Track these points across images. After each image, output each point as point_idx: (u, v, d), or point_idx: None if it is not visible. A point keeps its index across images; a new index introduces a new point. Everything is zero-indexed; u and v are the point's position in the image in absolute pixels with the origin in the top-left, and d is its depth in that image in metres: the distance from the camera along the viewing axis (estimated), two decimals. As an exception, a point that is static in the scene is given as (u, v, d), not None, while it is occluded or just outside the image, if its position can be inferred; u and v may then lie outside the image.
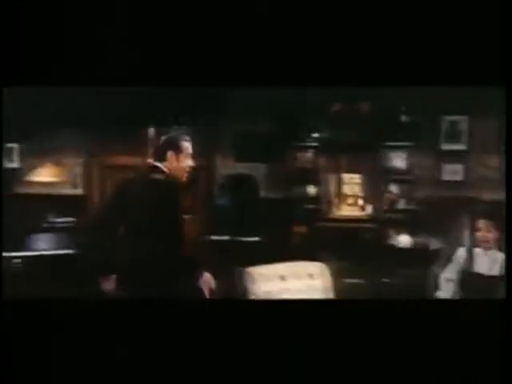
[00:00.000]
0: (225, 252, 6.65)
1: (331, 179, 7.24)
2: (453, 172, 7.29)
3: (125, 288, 3.64)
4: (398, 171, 7.09)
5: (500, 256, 4.03)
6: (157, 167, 3.68)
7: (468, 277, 4.10)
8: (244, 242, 6.90)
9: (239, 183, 7.24)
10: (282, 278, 4.34)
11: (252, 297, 4.19)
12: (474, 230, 4.14)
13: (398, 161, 7.08)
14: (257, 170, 7.47)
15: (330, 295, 4.47)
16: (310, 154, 7.18)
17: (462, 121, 7.28)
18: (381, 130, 7.06)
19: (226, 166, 7.55)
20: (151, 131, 7.23)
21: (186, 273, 3.67)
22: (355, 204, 6.97)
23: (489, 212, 4.18)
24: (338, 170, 7.25)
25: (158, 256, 3.50)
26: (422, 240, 6.33)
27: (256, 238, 6.92)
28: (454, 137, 7.30)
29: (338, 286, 4.61)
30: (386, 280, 5.90)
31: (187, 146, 3.78)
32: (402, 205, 7.02)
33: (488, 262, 4.06)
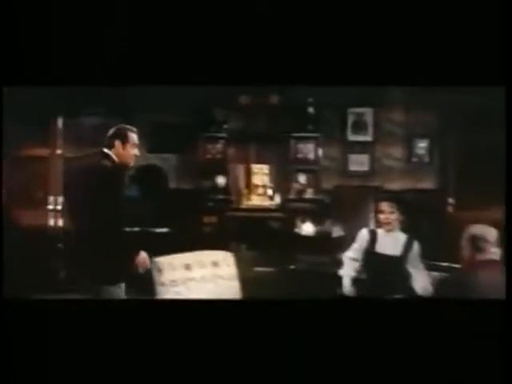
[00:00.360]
0: (135, 243, 6.65)
1: (240, 170, 7.32)
2: (359, 162, 7.49)
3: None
4: (305, 162, 7.21)
5: (402, 237, 4.18)
6: (107, 154, 3.94)
7: (370, 256, 4.22)
8: (154, 233, 6.87)
9: (148, 174, 7.20)
10: (187, 266, 4.38)
11: (158, 285, 4.22)
12: (377, 212, 4.26)
13: (306, 151, 7.20)
14: (167, 160, 7.48)
15: (235, 283, 4.54)
16: (219, 145, 7.23)
17: (368, 113, 7.49)
18: (289, 121, 7.18)
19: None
20: (60, 122, 7.13)
21: (126, 253, 3.92)
22: (264, 194, 7.06)
23: (392, 196, 4.36)
24: (247, 161, 7.34)
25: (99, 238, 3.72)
26: (327, 228, 6.46)
27: (165, 229, 6.93)
28: (359, 128, 7.51)
29: (244, 274, 4.69)
30: (291, 267, 6.00)
31: (133, 136, 4.05)
32: (309, 194, 7.15)
33: (390, 243, 4.17)
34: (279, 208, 7.05)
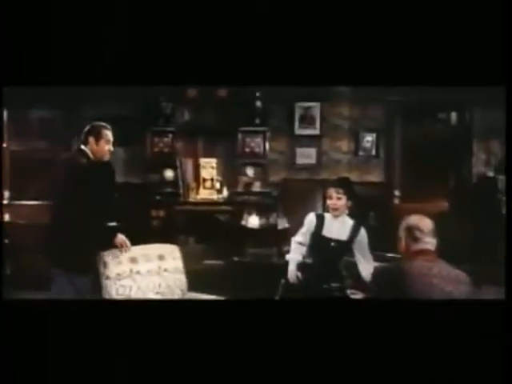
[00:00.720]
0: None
1: (188, 163, 7.32)
2: (306, 156, 7.57)
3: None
4: (253, 155, 7.23)
5: (349, 222, 4.24)
6: (82, 150, 4.26)
7: (317, 240, 4.26)
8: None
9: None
10: (133, 260, 4.38)
11: (104, 279, 4.21)
12: (325, 197, 4.32)
13: (254, 145, 7.22)
14: (114, 154, 7.27)
15: (181, 276, 4.58)
16: (167, 139, 7.18)
17: (315, 107, 7.57)
18: (236, 115, 7.19)
19: None
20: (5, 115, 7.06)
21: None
22: (212, 187, 7.06)
23: (339, 182, 4.38)
24: (195, 155, 7.34)
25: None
26: (273, 221, 6.51)
27: (114, 223, 6.86)
28: (307, 122, 7.58)
29: (191, 267, 4.71)
30: (238, 260, 6.04)
31: (107, 133, 4.36)
32: (257, 187, 7.20)
33: (337, 227, 4.23)
34: (227, 201, 7.08)
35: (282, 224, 5.93)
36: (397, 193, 7.69)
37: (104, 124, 4.41)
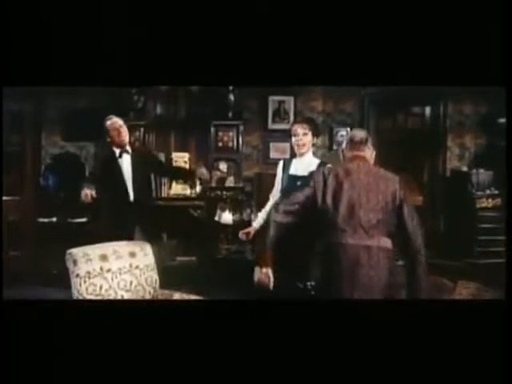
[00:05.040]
0: (53, 234, 6.56)
1: (161, 158, 7.14)
2: (280, 150, 7.50)
3: None
4: (226, 150, 7.16)
5: (315, 160, 4.29)
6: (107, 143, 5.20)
7: (286, 180, 4.34)
8: (72, 223, 6.80)
9: (64, 163, 7.09)
10: (103, 257, 4.27)
11: (73, 277, 4.10)
12: (291, 136, 4.32)
13: (227, 139, 7.15)
14: (84, 148, 7.34)
15: (153, 273, 4.46)
16: (138, 133, 7.04)
17: (289, 101, 7.52)
18: (209, 108, 7.11)
19: (53, 145, 7.35)
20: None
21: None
22: (185, 182, 6.96)
23: (304, 118, 4.86)
24: (168, 149, 7.23)
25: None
26: (246, 216, 6.45)
27: (84, 219, 6.82)
28: (280, 116, 7.54)
29: (164, 263, 4.62)
30: (211, 256, 5.97)
31: (119, 122, 5.16)
32: (230, 182, 7.11)
33: (304, 165, 4.25)
34: (200, 196, 7.00)
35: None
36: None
37: (109, 117, 5.10)
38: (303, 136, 4.22)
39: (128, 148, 5.16)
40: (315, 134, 4.30)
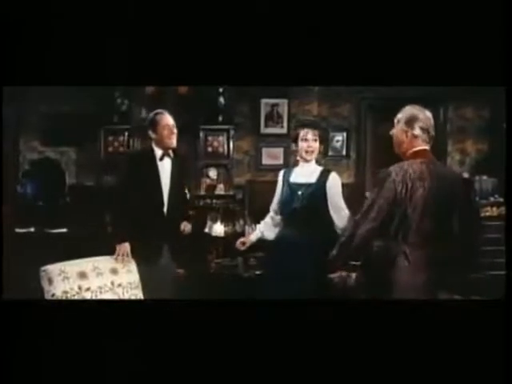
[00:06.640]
0: (30, 246, 6.15)
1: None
2: (273, 156, 7.27)
3: None
4: (216, 155, 6.93)
5: (318, 168, 4.14)
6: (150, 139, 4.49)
7: (285, 188, 4.22)
8: (51, 233, 6.50)
9: (43, 169, 6.84)
10: (82, 275, 3.94)
11: (49, 297, 3.76)
12: (298, 140, 4.15)
13: (217, 145, 6.91)
14: (65, 154, 7.08)
15: (137, 291, 4.15)
16: (122, 138, 6.76)
17: (282, 104, 7.26)
18: (198, 112, 6.87)
19: (32, 151, 7.05)
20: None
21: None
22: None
23: (316, 124, 4.44)
24: (154, 154, 6.89)
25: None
26: (239, 228, 6.16)
27: (64, 230, 6.54)
28: (274, 120, 7.27)
29: (148, 281, 4.25)
30: (202, 269, 5.66)
31: (164, 118, 4.42)
32: (220, 190, 6.89)
33: (307, 172, 4.14)
34: (188, 205, 6.63)
35: (249, 231, 5.54)
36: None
37: (161, 110, 4.49)
38: (313, 142, 4.07)
39: (170, 152, 4.49)
40: (322, 141, 4.15)
